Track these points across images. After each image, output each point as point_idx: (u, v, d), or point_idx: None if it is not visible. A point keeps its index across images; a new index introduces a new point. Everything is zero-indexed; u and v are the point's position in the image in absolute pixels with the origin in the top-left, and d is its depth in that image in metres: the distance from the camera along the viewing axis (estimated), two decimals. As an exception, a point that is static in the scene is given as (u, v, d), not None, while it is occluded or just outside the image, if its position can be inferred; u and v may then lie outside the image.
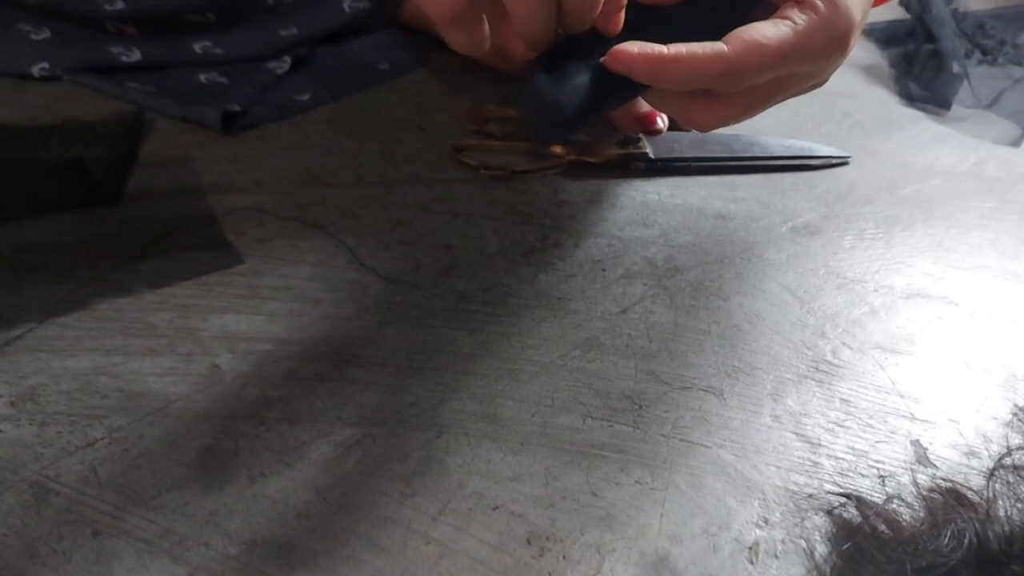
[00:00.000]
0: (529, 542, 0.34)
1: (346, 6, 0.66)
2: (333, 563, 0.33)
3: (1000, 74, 0.80)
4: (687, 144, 0.60)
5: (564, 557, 0.34)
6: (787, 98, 0.39)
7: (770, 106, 0.39)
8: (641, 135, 0.59)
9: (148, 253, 0.46)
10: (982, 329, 0.48)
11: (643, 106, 0.60)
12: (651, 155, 0.58)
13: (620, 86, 0.38)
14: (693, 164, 0.59)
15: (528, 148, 0.58)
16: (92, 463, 0.35)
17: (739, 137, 0.61)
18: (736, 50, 0.34)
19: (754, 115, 0.40)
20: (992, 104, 0.73)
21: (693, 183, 0.58)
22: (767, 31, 0.35)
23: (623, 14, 0.39)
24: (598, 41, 0.39)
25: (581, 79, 0.38)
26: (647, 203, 0.55)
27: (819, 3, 0.35)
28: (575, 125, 0.38)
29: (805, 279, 0.50)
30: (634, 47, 0.35)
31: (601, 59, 0.38)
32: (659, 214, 0.54)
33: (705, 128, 0.40)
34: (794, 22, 0.35)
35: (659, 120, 0.59)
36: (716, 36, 0.36)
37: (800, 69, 0.36)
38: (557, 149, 0.58)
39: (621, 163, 0.58)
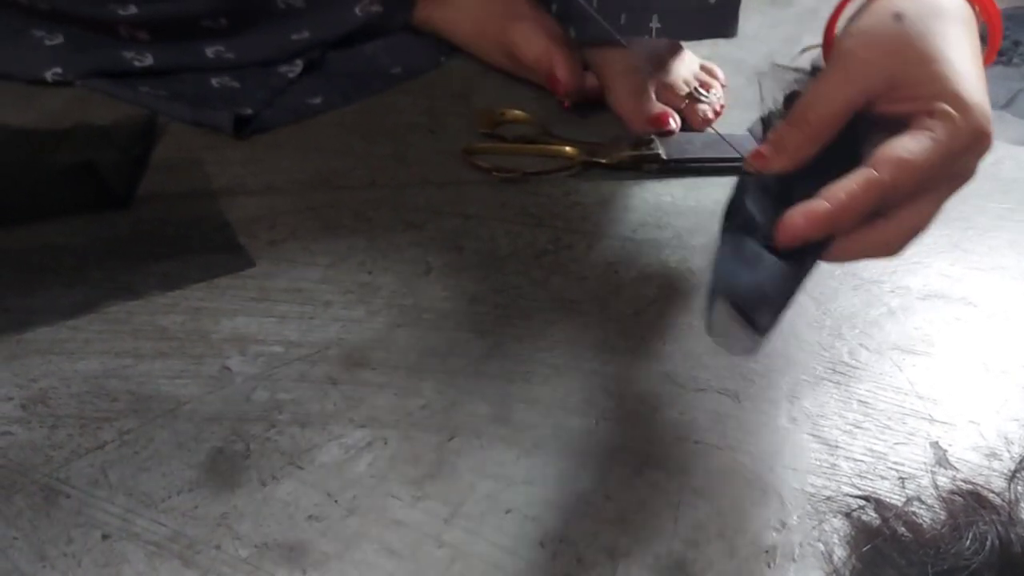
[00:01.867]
0: (542, 545, 0.34)
1: (357, 10, 0.66)
2: (344, 566, 0.32)
3: (1015, 74, 0.79)
4: (700, 145, 0.59)
5: (578, 560, 0.33)
6: (947, 199, 0.38)
7: (942, 206, 0.38)
8: (653, 136, 0.58)
9: (159, 255, 0.46)
10: (1001, 330, 0.47)
11: (655, 106, 0.59)
12: (664, 156, 0.57)
13: (803, 256, 0.37)
14: (706, 165, 0.58)
15: (539, 150, 0.58)
16: (102, 465, 0.35)
17: (751, 137, 0.61)
18: (888, 172, 0.34)
19: (928, 224, 0.38)
20: (1008, 105, 0.72)
21: (707, 184, 0.57)
22: (911, 146, 0.34)
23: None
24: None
25: (767, 267, 0.36)
26: (660, 205, 0.55)
27: (952, 111, 0.34)
28: (781, 309, 0.37)
29: (821, 280, 0.49)
30: (799, 218, 0.34)
31: (772, 243, 0.36)
32: (672, 216, 0.54)
33: (894, 252, 0.39)
34: (933, 132, 0.34)
35: (671, 121, 0.59)
36: (852, 159, 0.35)
37: (951, 171, 0.36)
38: (568, 150, 0.57)
39: (633, 164, 0.57)
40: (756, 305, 0.36)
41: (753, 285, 0.36)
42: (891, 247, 0.38)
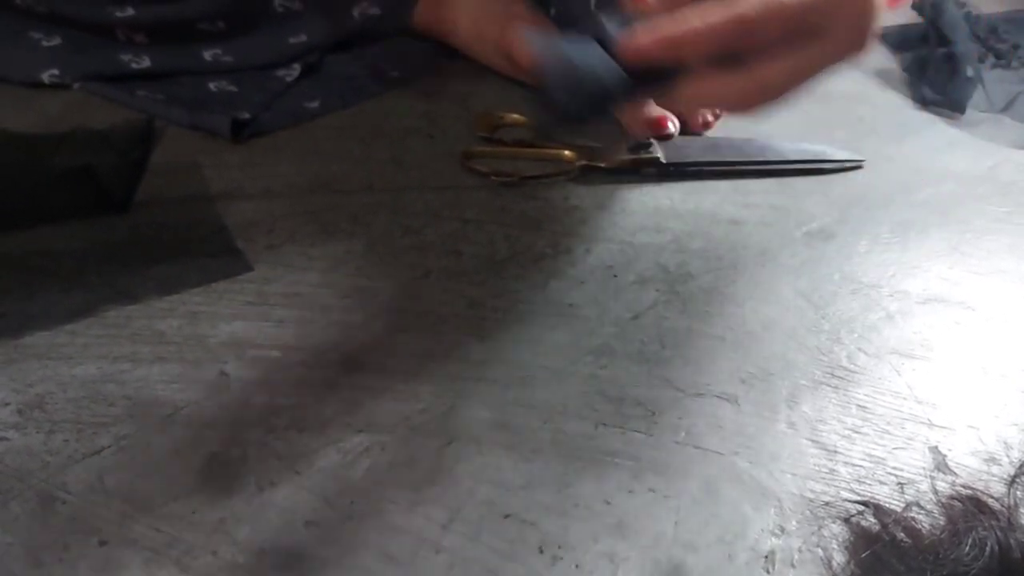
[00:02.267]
0: (541, 551, 0.34)
1: (356, 13, 0.66)
2: (342, 572, 0.32)
3: (1014, 77, 0.79)
4: (699, 148, 0.59)
5: (577, 566, 0.33)
6: (827, 72, 0.36)
7: (816, 76, 0.36)
8: (652, 139, 0.58)
9: (157, 260, 0.46)
10: (1000, 334, 0.47)
11: (654, 110, 0.59)
12: (662, 160, 0.57)
13: (649, 82, 0.36)
14: (705, 168, 0.58)
15: (538, 154, 0.58)
16: (99, 471, 0.35)
17: (752, 141, 0.61)
18: (752, 7, 0.32)
19: (793, 87, 0.36)
20: (1007, 108, 0.72)
21: (705, 188, 0.57)
22: None
23: None
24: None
25: (604, 63, 0.35)
26: (659, 208, 0.55)
27: None
28: (606, 108, 0.36)
29: (820, 284, 0.49)
30: (644, 35, 0.33)
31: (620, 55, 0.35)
32: (671, 219, 0.54)
33: (749, 107, 0.37)
34: None
35: (670, 124, 0.59)
36: None
37: (825, 30, 0.34)
38: (567, 154, 0.57)
39: (632, 168, 0.57)
40: (576, 86, 0.35)
41: (585, 69, 0.35)
42: (748, 100, 0.37)
